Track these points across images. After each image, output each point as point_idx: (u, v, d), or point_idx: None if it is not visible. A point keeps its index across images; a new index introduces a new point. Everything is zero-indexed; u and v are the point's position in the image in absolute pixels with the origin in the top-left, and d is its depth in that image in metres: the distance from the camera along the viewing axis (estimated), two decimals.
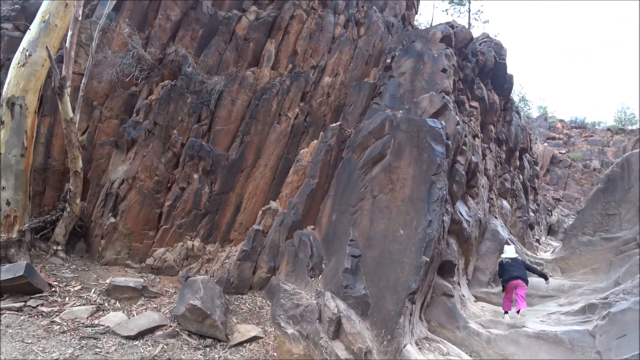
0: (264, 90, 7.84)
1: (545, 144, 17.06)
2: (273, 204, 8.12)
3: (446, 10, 11.24)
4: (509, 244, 7.70)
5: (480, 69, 8.25)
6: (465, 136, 7.30)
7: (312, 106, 8.36)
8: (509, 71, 8.94)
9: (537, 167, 11.26)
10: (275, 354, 5.64)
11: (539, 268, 7.37)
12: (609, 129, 21.42)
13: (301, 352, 5.76)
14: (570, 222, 12.47)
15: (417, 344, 5.75)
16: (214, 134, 7.53)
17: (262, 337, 5.93)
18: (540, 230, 10.59)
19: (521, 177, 9.83)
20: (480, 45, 8.34)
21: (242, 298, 7.09)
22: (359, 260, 6.53)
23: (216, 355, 5.29)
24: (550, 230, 11.85)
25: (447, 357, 5.47)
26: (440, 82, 7.19)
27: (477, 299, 7.63)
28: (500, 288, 7.66)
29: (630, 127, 21.47)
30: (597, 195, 7.81)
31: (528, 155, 10.40)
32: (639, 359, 4.20)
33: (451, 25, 7.70)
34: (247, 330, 5.96)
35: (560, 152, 17.77)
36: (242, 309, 6.67)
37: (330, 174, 8.06)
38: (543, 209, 11.23)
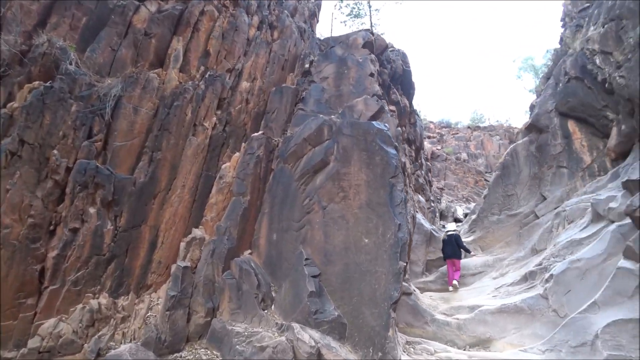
0: (175, 96, 6.42)
1: (426, 141, 19.99)
2: (197, 232, 6.69)
3: (344, 22, 11.73)
4: (448, 223, 8.54)
5: (392, 76, 8.80)
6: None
7: (231, 114, 7.31)
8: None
9: (428, 163, 12.89)
10: None
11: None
12: (469, 127, 26.77)
13: None
14: (454, 206, 14.77)
15: (404, 351, 5.48)
16: (112, 152, 5.70)
17: None
18: (436, 217, 12.06)
19: (422, 172, 10.96)
20: (389, 53, 8.93)
21: (181, 357, 5.50)
22: (319, 279, 5.89)
23: None
24: (442, 216, 13.67)
25: (437, 355, 5.36)
26: (370, 86, 7.25)
27: (419, 289, 7.93)
28: (435, 275, 8.28)
29: (481, 125, 27.50)
30: (496, 181, 9.29)
31: (423, 153, 11.78)
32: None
33: (371, 32, 7.98)
34: None
35: (436, 149, 21.07)
36: None
37: (262, 189, 7.15)
38: (434, 198, 12.87)
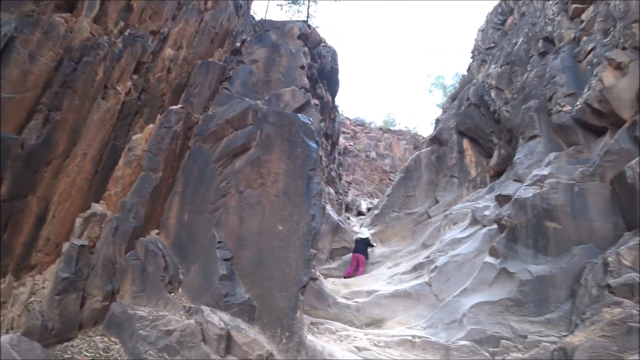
0: (85, 50, 5.60)
1: (340, 136, 20.77)
2: (98, 207, 6.04)
3: (281, 5, 11.37)
4: (362, 228, 9.85)
5: (320, 71, 9.03)
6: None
7: (149, 81, 6.69)
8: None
9: (340, 157, 13.59)
10: None
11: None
12: (380, 128, 28.62)
13: None
14: (359, 200, 15.93)
15: (309, 331, 5.88)
16: None
17: None
18: (343, 209, 12.93)
19: (334, 166, 11.60)
20: (322, 48, 9.14)
21: (72, 346, 4.96)
22: (231, 263, 5.93)
23: None
24: (347, 208, 14.62)
25: (338, 333, 5.91)
26: (299, 79, 7.37)
27: (323, 275, 8.50)
28: (337, 263, 9.03)
29: (392, 128, 29.63)
30: (400, 182, 10.43)
31: (337, 147, 12.41)
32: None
33: (308, 25, 8.04)
34: None
35: (349, 144, 22.12)
36: None
37: (175, 167, 6.76)
38: (342, 191, 13.71)
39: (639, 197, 4.65)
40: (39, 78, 5.19)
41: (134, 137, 6.57)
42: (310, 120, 6.79)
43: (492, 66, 9.48)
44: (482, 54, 11.62)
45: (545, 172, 6.02)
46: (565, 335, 4.62)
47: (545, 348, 4.64)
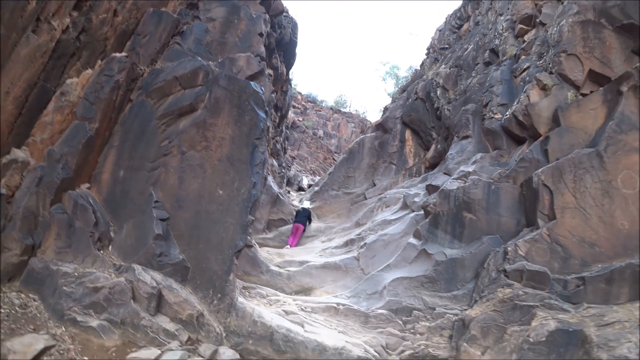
0: None
1: (290, 110, 20.34)
2: (19, 154, 5.54)
3: None
4: (305, 201, 10.28)
5: (278, 41, 8.81)
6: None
7: (92, 21, 6.08)
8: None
9: (287, 131, 13.54)
10: (85, 358, 4.32)
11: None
12: (331, 108, 28.49)
13: (118, 342, 4.71)
14: (301, 176, 16.15)
15: (240, 294, 6.10)
16: None
17: (54, 345, 4.29)
18: (284, 182, 13.10)
19: (280, 138, 11.60)
20: (283, 18, 8.87)
21: None
22: (167, 223, 5.88)
23: None
24: (288, 182, 14.76)
25: (268, 298, 6.22)
26: (256, 46, 7.18)
27: (258, 244, 8.69)
28: (274, 233, 9.32)
29: (342, 109, 29.66)
30: (342, 162, 10.83)
31: (285, 121, 12.34)
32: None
33: None
34: (27, 344, 4.10)
35: (298, 119, 21.84)
36: None
37: (114, 119, 6.37)
38: (286, 164, 13.79)
39: (539, 200, 5.49)
40: None
41: (68, 81, 6.00)
42: (262, 90, 6.75)
43: (443, 66, 10.14)
44: (436, 53, 12.29)
45: (470, 169, 6.75)
46: (465, 309, 5.40)
47: (448, 319, 5.41)
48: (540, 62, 6.93)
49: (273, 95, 7.22)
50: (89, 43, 6.19)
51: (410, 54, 69.36)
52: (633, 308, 4.50)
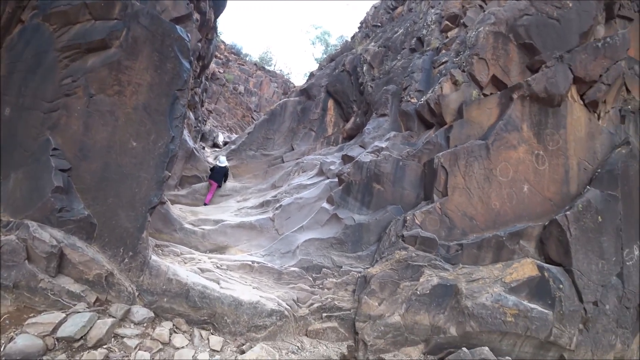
0: None
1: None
2: None
3: None
4: (222, 157, 9.98)
5: None
6: None
7: None
8: None
9: (207, 82, 12.42)
10: None
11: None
12: (255, 64, 26.25)
13: (11, 307, 4.27)
14: (217, 132, 15.25)
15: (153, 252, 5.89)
16: None
17: None
18: (199, 137, 12.32)
19: (199, 90, 10.71)
20: None
21: None
22: (69, 175, 5.26)
23: None
24: (203, 137, 13.85)
25: (183, 256, 6.15)
26: None
27: (170, 201, 8.27)
28: (187, 190, 8.97)
29: (267, 67, 27.64)
30: (262, 123, 10.60)
31: (206, 72, 11.31)
32: None
33: None
34: None
35: (219, 71, 19.76)
36: None
37: None
38: (202, 118, 12.84)
39: (437, 179, 6.45)
40: None
41: None
42: (188, 37, 6.17)
43: (372, 44, 10.47)
44: (368, 29, 12.53)
45: (383, 145, 7.44)
46: (367, 268, 6.20)
47: (353, 276, 6.16)
48: (457, 59, 7.75)
49: (199, 45, 6.65)
50: None
51: (343, 24, 68.36)
52: (494, 268, 5.86)
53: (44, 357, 3.76)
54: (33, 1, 5.37)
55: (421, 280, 5.68)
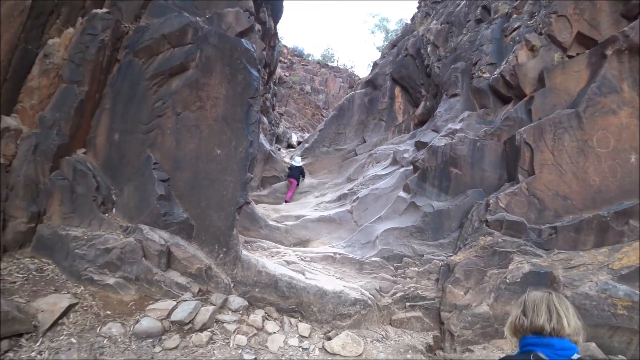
0: None
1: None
2: (11, 122, 5.49)
3: None
4: (297, 157, 10.57)
5: None
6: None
7: None
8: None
9: (275, 87, 13.25)
10: (108, 312, 4.70)
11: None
12: (318, 62, 27.33)
13: (135, 296, 5.10)
14: (290, 132, 16.13)
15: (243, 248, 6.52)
16: None
17: (77, 303, 4.66)
18: (274, 139, 13.16)
19: (269, 95, 11.44)
20: None
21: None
22: (168, 184, 6.06)
23: (33, 353, 3.82)
24: (277, 140, 14.77)
25: (269, 250, 6.67)
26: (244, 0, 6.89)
27: (254, 201, 9.01)
28: (268, 190, 9.64)
29: (330, 63, 28.53)
30: (332, 119, 10.90)
31: (273, 77, 12.07)
32: None
33: None
34: (53, 303, 4.46)
35: (285, 75, 21.00)
36: (14, 282, 4.69)
37: (102, 81, 6.22)
38: (275, 122, 13.71)
39: (520, 157, 5.89)
40: None
41: (50, 42, 5.75)
42: (253, 47, 6.62)
43: (434, 22, 9.95)
44: (427, 7, 11.92)
45: (458, 127, 7.04)
46: (450, 255, 5.99)
47: (435, 264, 6.01)
48: (531, 22, 6.97)
49: (263, 53, 7.07)
50: None
51: (401, 6, 65.64)
52: (597, 253, 5.17)
53: (163, 337, 4.47)
54: (124, 42, 6.25)
55: (510, 267, 5.29)
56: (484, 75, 7.46)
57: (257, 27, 8.17)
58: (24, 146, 5.40)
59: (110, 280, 5.06)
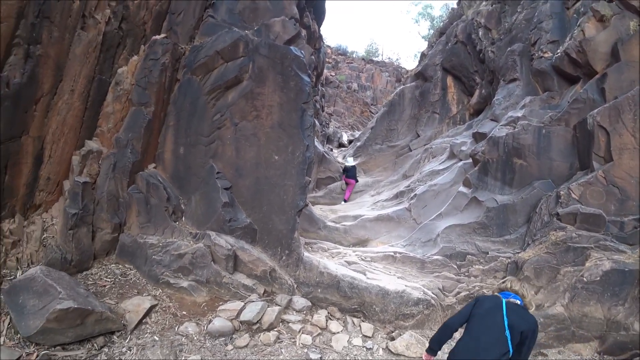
0: None
1: None
2: (92, 145, 6.14)
3: None
4: (349, 157, 10.63)
5: None
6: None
7: (129, 9, 6.24)
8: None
9: (322, 88, 13.46)
10: (184, 312, 5.13)
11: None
12: (362, 59, 27.34)
13: (207, 298, 5.49)
14: (340, 132, 16.25)
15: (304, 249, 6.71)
16: None
17: (157, 304, 5.13)
18: (325, 140, 13.33)
19: (318, 97, 11.61)
20: None
21: (91, 274, 5.53)
22: (231, 191, 6.40)
23: (123, 349, 4.30)
24: (328, 140, 14.95)
25: (330, 251, 6.78)
26: (288, 7, 7.05)
27: (310, 203, 9.22)
28: (323, 191, 9.79)
29: (374, 58, 28.37)
30: (383, 116, 10.77)
31: (321, 78, 12.26)
32: None
33: None
34: (137, 304, 4.96)
35: (331, 75, 21.27)
36: (104, 286, 5.30)
37: (166, 100, 6.73)
38: (325, 122, 13.89)
39: (594, 142, 5.36)
40: (10, 8, 4.79)
41: (119, 71, 6.35)
42: (302, 53, 6.76)
43: (484, 3, 9.29)
44: None
45: (519, 114, 6.57)
46: (518, 252, 5.64)
47: (501, 262, 5.69)
48: None
49: (312, 58, 7.19)
50: (130, 30, 6.40)
51: None
52: None
53: (234, 335, 4.78)
54: (182, 62, 6.71)
55: (587, 264, 4.84)
56: (546, 55, 6.84)
57: (303, 32, 8.33)
58: (105, 165, 6.03)
59: (184, 283, 5.49)
